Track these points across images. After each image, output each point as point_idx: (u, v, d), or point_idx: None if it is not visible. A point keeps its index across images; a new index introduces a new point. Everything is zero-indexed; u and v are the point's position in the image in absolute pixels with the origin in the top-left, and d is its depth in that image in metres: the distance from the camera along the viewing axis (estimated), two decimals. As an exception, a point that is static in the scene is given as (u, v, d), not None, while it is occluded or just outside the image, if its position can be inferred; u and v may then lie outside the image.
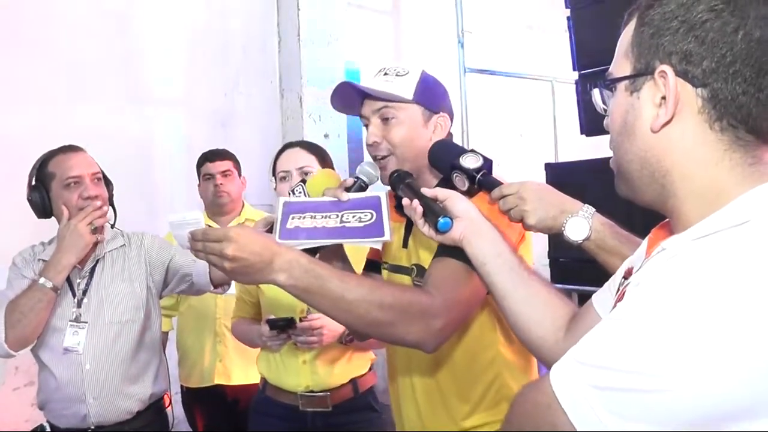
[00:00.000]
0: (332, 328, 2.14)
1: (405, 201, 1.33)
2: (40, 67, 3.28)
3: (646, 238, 0.94)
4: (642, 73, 0.81)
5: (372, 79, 1.54)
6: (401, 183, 1.41)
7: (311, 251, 1.37)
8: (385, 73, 1.53)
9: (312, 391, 2.23)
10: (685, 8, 0.77)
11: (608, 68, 0.89)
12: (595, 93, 0.91)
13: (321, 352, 2.23)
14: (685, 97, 0.77)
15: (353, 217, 1.39)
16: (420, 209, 1.28)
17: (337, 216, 1.40)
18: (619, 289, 0.96)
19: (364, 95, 1.53)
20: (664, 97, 0.78)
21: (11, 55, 3.22)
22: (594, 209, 1.29)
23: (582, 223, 1.26)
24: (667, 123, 0.79)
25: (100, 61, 3.45)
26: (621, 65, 0.85)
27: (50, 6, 3.34)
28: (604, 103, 0.90)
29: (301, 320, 2.15)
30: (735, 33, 0.74)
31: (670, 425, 0.65)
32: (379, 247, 1.42)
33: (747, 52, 0.74)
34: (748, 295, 0.63)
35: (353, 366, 2.30)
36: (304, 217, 1.40)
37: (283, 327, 2.15)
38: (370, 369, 2.38)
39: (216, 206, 3.00)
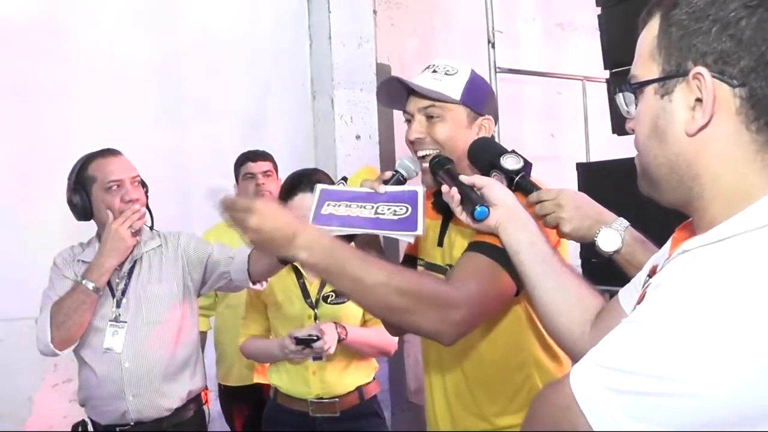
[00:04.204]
0: (329, 332, 2.25)
1: (444, 188, 1.33)
2: (77, 73, 3.36)
3: (671, 237, 0.92)
4: (673, 75, 0.78)
5: (420, 76, 1.51)
6: (441, 169, 1.40)
7: (345, 238, 1.37)
8: (434, 71, 1.49)
9: (321, 398, 2.36)
10: (716, 6, 0.74)
11: None
12: (620, 96, 0.87)
13: (328, 362, 2.35)
14: (722, 98, 0.75)
15: (388, 209, 1.38)
16: (458, 197, 1.29)
17: (372, 207, 1.39)
18: (643, 287, 0.95)
19: (411, 91, 1.50)
20: (698, 99, 0.75)
21: (50, 61, 3.30)
22: (628, 223, 1.28)
23: (614, 236, 1.26)
24: (704, 126, 0.76)
25: (134, 67, 3.52)
26: (647, 67, 0.82)
27: (86, 13, 3.42)
28: (628, 106, 0.87)
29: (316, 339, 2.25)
30: None
31: (687, 428, 0.64)
32: (411, 240, 1.41)
33: None
34: (766, 299, 0.62)
35: (359, 375, 2.44)
36: (339, 205, 1.40)
37: (308, 343, 2.23)
38: (373, 378, 2.51)
39: None
